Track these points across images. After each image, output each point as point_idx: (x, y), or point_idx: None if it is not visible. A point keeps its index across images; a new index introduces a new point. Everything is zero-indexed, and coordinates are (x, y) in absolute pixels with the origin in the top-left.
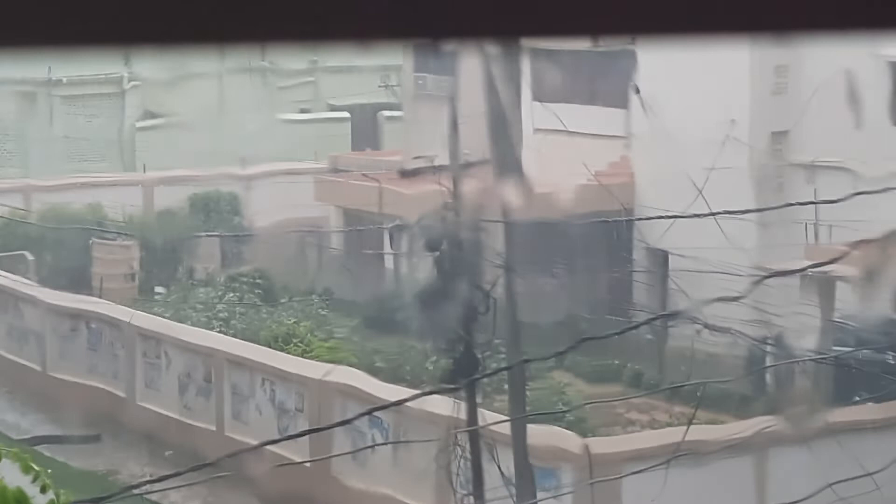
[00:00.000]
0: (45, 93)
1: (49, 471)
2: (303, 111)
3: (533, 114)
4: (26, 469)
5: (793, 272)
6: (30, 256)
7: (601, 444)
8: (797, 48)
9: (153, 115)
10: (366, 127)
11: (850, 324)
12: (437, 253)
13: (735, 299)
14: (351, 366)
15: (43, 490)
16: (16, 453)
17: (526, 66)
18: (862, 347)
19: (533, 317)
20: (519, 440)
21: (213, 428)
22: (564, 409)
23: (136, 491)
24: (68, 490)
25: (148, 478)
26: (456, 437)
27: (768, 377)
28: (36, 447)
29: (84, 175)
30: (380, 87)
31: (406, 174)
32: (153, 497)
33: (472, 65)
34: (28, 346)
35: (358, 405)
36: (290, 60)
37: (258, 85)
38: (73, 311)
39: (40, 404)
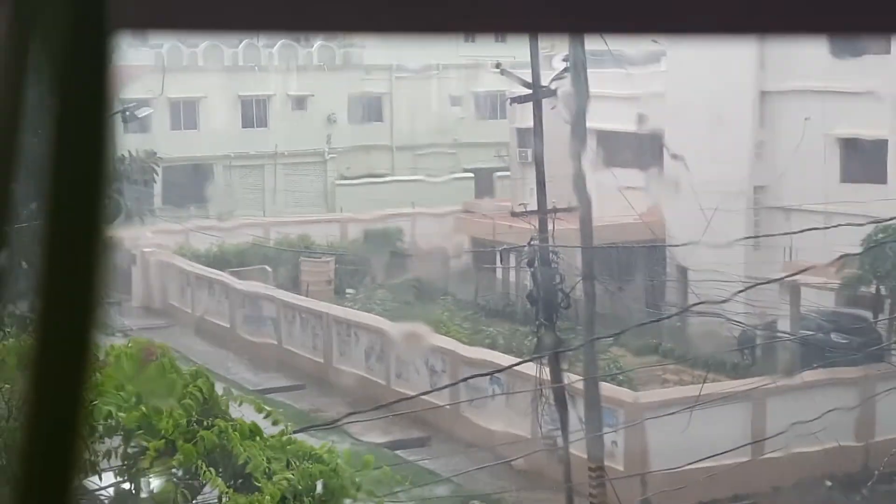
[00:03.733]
0: (272, 162)
1: (280, 410)
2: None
3: (595, 174)
4: (260, 409)
5: (774, 280)
6: (268, 269)
7: (646, 396)
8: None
9: (346, 177)
10: (485, 183)
11: (811, 315)
12: (533, 268)
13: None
14: (470, 344)
15: (274, 423)
16: (252, 399)
17: (593, 141)
18: (818, 332)
19: (600, 310)
20: (592, 393)
21: (384, 383)
22: (619, 371)
23: (335, 424)
24: (291, 423)
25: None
26: (544, 390)
27: (758, 351)
28: (265, 395)
29: (300, 216)
30: (495, 156)
31: (515, 215)
32: (347, 428)
33: (556, 148)
34: (264, 329)
35: (475, 368)
36: (427, 137)
37: (413, 155)
38: (293, 304)
39: (270, 367)
